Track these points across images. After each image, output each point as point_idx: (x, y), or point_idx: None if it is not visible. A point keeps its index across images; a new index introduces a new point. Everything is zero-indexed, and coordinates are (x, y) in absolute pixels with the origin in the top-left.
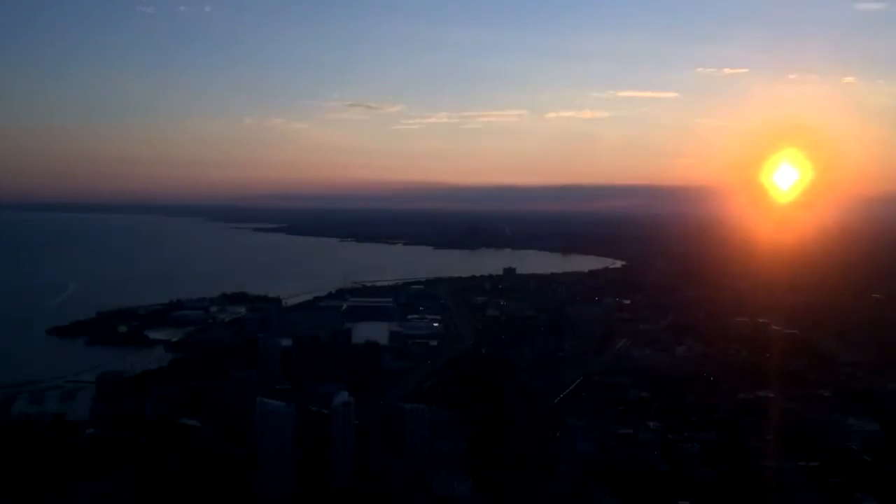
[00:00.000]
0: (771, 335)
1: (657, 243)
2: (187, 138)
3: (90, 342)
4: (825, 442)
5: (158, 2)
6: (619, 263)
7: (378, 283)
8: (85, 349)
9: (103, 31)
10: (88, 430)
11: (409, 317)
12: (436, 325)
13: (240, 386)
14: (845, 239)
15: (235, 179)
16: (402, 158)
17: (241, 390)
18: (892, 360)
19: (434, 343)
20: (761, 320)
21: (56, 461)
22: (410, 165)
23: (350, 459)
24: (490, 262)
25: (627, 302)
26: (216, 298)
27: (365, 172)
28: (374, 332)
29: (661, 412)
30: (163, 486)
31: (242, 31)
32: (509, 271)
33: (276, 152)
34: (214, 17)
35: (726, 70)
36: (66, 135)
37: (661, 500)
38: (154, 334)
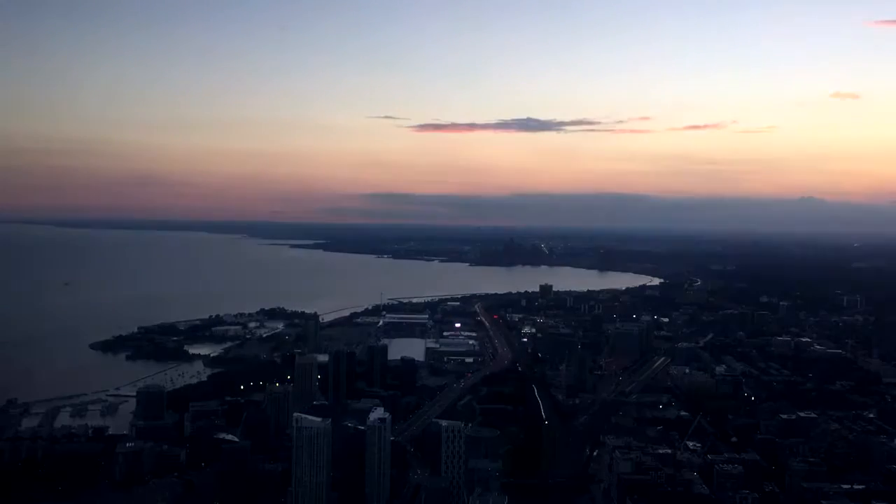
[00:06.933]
0: (814, 354)
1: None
2: (230, 157)
3: (131, 357)
4: (870, 464)
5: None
6: (656, 281)
7: (414, 300)
8: (126, 363)
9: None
10: (128, 444)
11: (445, 333)
12: (471, 341)
13: (276, 401)
14: None
15: (275, 196)
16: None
17: (278, 405)
18: None
19: (470, 360)
20: (804, 339)
21: (97, 473)
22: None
23: (386, 476)
24: (527, 279)
25: (665, 320)
26: (255, 314)
27: (406, 186)
28: (411, 348)
29: (700, 432)
30: (200, 499)
31: (272, 49)
32: (546, 288)
33: (313, 168)
34: (239, 35)
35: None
36: (123, 157)
37: None
38: (194, 349)
